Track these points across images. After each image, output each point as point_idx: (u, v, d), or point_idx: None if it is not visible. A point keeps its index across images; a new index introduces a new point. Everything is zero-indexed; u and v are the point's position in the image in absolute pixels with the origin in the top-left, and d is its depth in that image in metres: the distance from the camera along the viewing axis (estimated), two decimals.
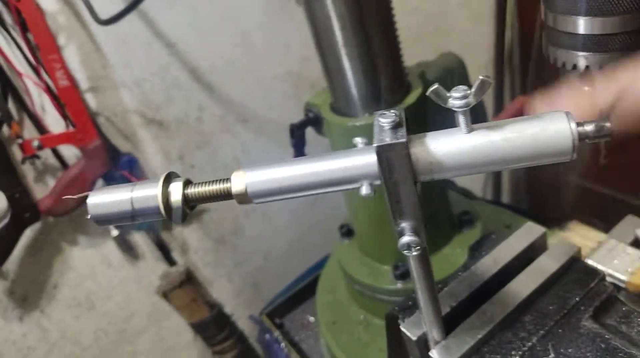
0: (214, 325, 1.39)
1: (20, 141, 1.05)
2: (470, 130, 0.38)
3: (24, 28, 1.02)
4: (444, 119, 0.79)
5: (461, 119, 0.37)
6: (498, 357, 0.50)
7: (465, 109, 0.36)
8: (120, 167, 1.18)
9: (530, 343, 0.50)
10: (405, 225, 0.41)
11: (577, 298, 0.52)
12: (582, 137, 0.36)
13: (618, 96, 0.39)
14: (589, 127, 0.36)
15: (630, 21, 0.45)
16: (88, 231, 1.24)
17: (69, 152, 1.16)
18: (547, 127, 0.36)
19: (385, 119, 0.38)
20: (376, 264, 0.93)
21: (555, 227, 0.72)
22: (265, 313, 1.22)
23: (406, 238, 0.41)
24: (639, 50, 0.46)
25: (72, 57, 1.10)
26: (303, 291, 1.25)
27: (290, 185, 0.43)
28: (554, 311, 0.52)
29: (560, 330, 0.50)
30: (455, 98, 0.36)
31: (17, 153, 1.08)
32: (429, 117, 0.80)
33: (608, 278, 0.58)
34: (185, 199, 0.45)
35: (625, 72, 0.40)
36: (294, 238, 1.57)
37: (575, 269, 0.56)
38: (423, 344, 0.54)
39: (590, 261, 0.60)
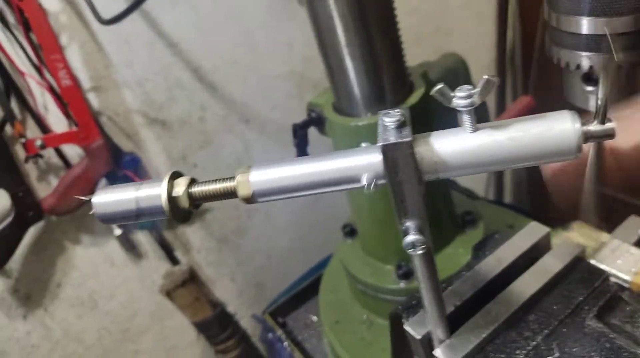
0: (216, 324, 1.39)
1: (23, 140, 1.06)
2: (475, 129, 0.38)
3: (26, 28, 1.02)
4: (447, 119, 0.79)
5: (466, 118, 0.37)
6: (502, 356, 0.50)
7: (470, 108, 0.36)
8: (123, 166, 1.19)
9: (534, 343, 0.50)
10: (409, 223, 0.41)
11: (581, 298, 0.52)
12: (586, 137, 0.36)
13: None
14: (594, 128, 0.36)
15: (633, 22, 0.45)
16: (91, 230, 1.24)
17: (72, 151, 1.16)
18: (552, 127, 0.36)
19: (389, 119, 0.38)
20: (379, 264, 0.93)
21: (558, 227, 0.72)
22: (268, 313, 1.22)
23: (411, 237, 0.41)
24: None
25: (75, 56, 1.11)
26: (306, 291, 1.25)
27: (294, 184, 0.43)
28: (558, 311, 0.52)
29: (564, 330, 0.50)
30: (460, 97, 0.36)
31: (20, 152, 1.09)
32: (431, 117, 0.80)
33: (612, 278, 0.58)
34: (190, 198, 0.45)
35: None
36: (296, 238, 1.57)
37: (580, 269, 0.56)
38: (427, 343, 0.54)
39: (593, 262, 0.60)
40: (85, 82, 1.13)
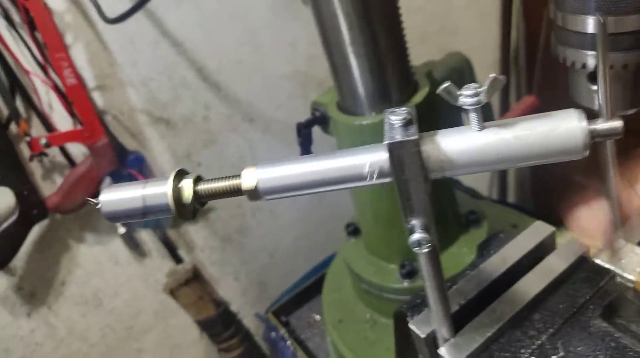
0: (220, 322, 1.39)
1: (28, 138, 1.06)
2: (481, 128, 0.38)
3: (32, 27, 1.03)
4: (451, 119, 0.79)
5: (472, 117, 0.37)
6: (507, 355, 0.50)
7: (476, 106, 0.36)
8: (127, 165, 1.19)
9: (539, 342, 0.50)
10: (415, 222, 0.41)
11: (586, 297, 0.52)
12: (593, 135, 0.36)
13: None
14: (600, 126, 0.36)
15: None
16: (95, 229, 1.24)
17: (77, 150, 1.17)
18: (559, 125, 0.36)
19: (396, 117, 0.39)
20: (383, 263, 0.93)
21: (562, 227, 0.72)
22: (271, 311, 1.22)
23: (417, 235, 0.41)
24: None
25: (80, 55, 1.11)
26: (309, 290, 1.25)
27: (300, 182, 0.43)
28: (563, 310, 0.52)
29: (569, 329, 0.50)
30: (467, 96, 0.36)
31: (25, 151, 1.09)
32: (436, 117, 0.80)
33: (617, 278, 0.58)
34: (196, 195, 0.46)
35: None
36: (299, 237, 1.57)
37: (585, 268, 0.56)
38: (432, 342, 0.54)
39: (598, 261, 0.60)
40: (90, 81, 1.13)
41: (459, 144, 0.38)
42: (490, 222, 0.95)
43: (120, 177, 1.18)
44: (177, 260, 1.37)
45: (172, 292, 1.34)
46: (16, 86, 1.06)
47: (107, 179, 1.17)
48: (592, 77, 0.47)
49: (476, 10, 1.60)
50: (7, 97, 1.05)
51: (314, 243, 1.56)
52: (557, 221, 0.67)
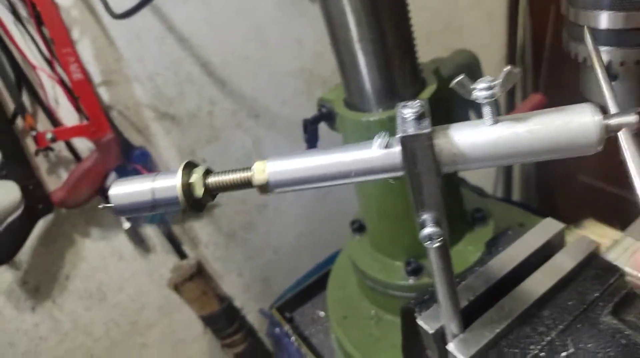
0: (224, 318, 1.39)
1: (34, 133, 1.06)
2: (494, 122, 0.38)
3: (38, 22, 1.03)
4: (460, 116, 0.79)
5: (486, 110, 0.37)
6: (516, 351, 0.49)
7: (490, 100, 0.36)
8: (133, 160, 1.19)
9: (549, 338, 0.50)
10: (427, 216, 0.41)
11: (596, 294, 0.52)
12: (607, 130, 0.36)
13: None
14: (614, 121, 0.36)
15: None
16: (100, 224, 1.25)
17: (82, 145, 1.17)
18: (572, 120, 0.36)
19: (408, 110, 0.38)
20: (388, 260, 0.93)
21: (570, 225, 0.72)
22: (275, 307, 1.22)
23: (428, 230, 0.41)
24: None
25: (86, 50, 1.11)
26: (313, 286, 1.25)
27: (310, 175, 0.43)
28: (572, 307, 0.52)
29: (579, 325, 0.50)
30: (481, 89, 0.36)
31: (30, 145, 1.09)
32: (443, 113, 0.80)
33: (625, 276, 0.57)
34: (206, 188, 0.46)
35: None
36: (304, 233, 1.57)
37: (594, 265, 0.55)
38: (440, 337, 0.54)
39: (607, 259, 0.60)
40: (96, 76, 1.13)
41: (472, 137, 0.38)
42: (496, 220, 0.95)
43: (125, 172, 1.18)
44: (182, 255, 1.37)
45: (177, 287, 1.34)
46: (23, 81, 1.07)
47: (113, 175, 1.18)
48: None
49: (482, 8, 1.59)
50: (13, 92, 1.05)
51: (318, 239, 1.56)
52: (562, 219, 0.66)
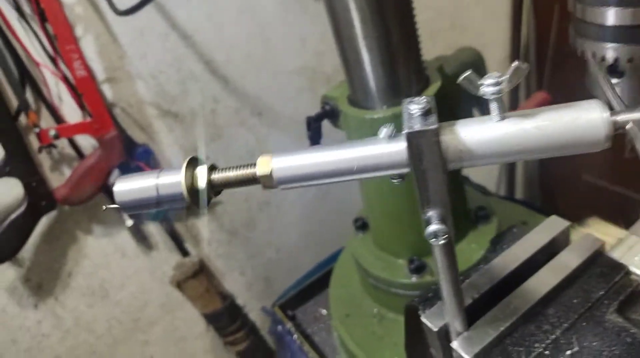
0: (226, 316, 1.39)
1: (37, 130, 1.06)
2: (501, 118, 0.37)
3: (42, 18, 1.03)
4: (464, 113, 0.79)
5: (493, 106, 0.37)
6: (521, 349, 0.49)
7: (497, 96, 0.36)
8: (136, 158, 1.19)
9: (553, 336, 0.49)
10: (432, 213, 0.41)
11: (601, 292, 0.52)
12: (615, 126, 0.36)
13: None
14: (622, 117, 0.36)
15: None
16: (103, 221, 1.25)
17: (85, 142, 1.17)
18: (580, 116, 0.36)
19: (415, 106, 0.38)
20: (391, 258, 0.93)
21: (574, 223, 0.72)
22: (278, 305, 1.22)
23: (433, 227, 0.41)
24: None
25: (90, 47, 1.11)
26: (315, 285, 1.25)
27: (316, 171, 0.42)
28: (577, 305, 0.51)
29: (584, 324, 0.50)
30: (488, 85, 0.36)
31: (34, 142, 1.09)
32: (447, 112, 0.80)
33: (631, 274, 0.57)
34: (211, 184, 0.46)
35: None
36: (306, 232, 1.57)
37: (600, 263, 0.55)
38: (444, 335, 0.53)
39: (612, 257, 0.59)
40: (100, 73, 1.13)
41: (479, 134, 0.38)
42: (499, 218, 0.94)
43: (128, 169, 1.18)
44: (184, 253, 1.37)
45: (179, 285, 1.34)
46: (26, 78, 1.07)
47: (116, 172, 1.18)
48: (611, 70, 0.46)
49: (486, 7, 1.59)
50: (17, 89, 1.05)
51: (320, 239, 1.56)
52: (566, 218, 0.66)
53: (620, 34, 0.46)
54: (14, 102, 1.06)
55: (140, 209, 0.48)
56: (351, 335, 0.95)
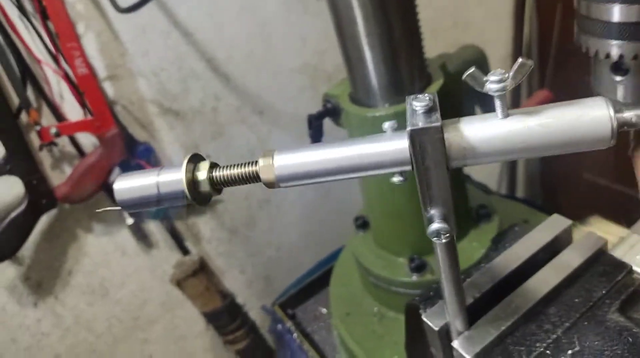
0: (226, 314, 1.39)
1: (38, 128, 1.06)
2: (506, 115, 0.37)
3: (44, 16, 1.02)
4: (466, 111, 0.78)
5: (498, 103, 0.37)
6: (522, 348, 0.49)
7: (502, 93, 0.36)
8: (137, 156, 1.19)
9: (555, 336, 0.49)
10: (434, 211, 0.41)
11: (603, 291, 0.52)
12: (621, 124, 0.36)
13: None
14: (629, 114, 0.36)
15: None
16: (103, 219, 1.24)
17: (86, 140, 1.16)
18: (586, 113, 0.35)
19: (418, 103, 0.38)
20: (392, 256, 0.93)
21: (576, 221, 0.71)
22: (278, 304, 1.22)
23: (435, 225, 0.41)
24: None
25: (91, 45, 1.11)
26: (315, 283, 1.25)
27: (318, 169, 0.42)
28: (579, 304, 0.51)
29: (585, 323, 0.50)
30: (493, 82, 0.36)
31: (35, 140, 1.09)
32: (449, 109, 0.80)
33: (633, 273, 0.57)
34: (211, 182, 0.45)
35: None
36: (306, 231, 1.57)
37: (602, 262, 0.55)
38: (445, 335, 0.53)
39: (614, 255, 0.59)
40: (101, 71, 1.13)
41: (483, 131, 0.37)
42: (501, 217, 0.94)
43: (129, 168, 1.18)
44: (184, 251, 1.37)
45: (179, 283, 1.34)
46: (27, 75, 1.06)
47: (117, 170, 1.17)
48: (616, 68, 0.46)
49: (488, 5, 1.58)
50: (18, 86, 1.05)
51: (321, 237, 1.56)
52: (567, 216, 0.66)
53: (626, 30, 0.45)
54: (15, 100, 1.06)
55: (141, 208, 0.48)
56: (351, 333, 0.95)
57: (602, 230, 0.69)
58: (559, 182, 1.78)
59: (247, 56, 1.28)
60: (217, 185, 0.46)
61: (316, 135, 0.92)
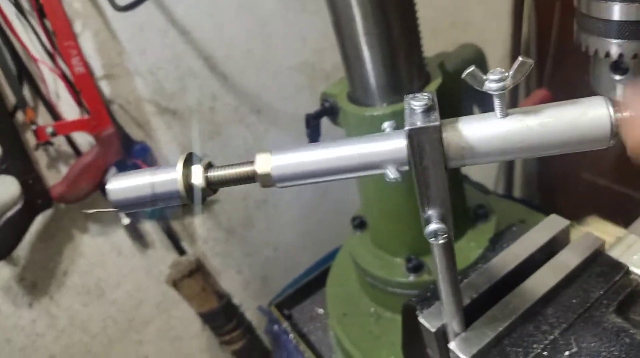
0: (222, 315, 1.39)
1: (34, 127, 1.05)
2: (505, 115, 0.37)
3: (41, 14, 1.02)
4: (465, 111, 0.78)
5: (497, 103, 0.36)
6: (519, 350, 0.49)
7: (501, 92, 0.35)
8: (133, 155, 1.18)
9: (552, 337, 0.49)
10: (432, 212, 0.40)
11: (600, 292, 0.51)
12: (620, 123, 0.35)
13: None
14: (628, 114, 0.35)
15: None
16: (99, 219, 1.24)
17: (83, 139, 1.16)
18: (585, 113, 0.35)
19: (417, 102, 0.38)
20: (389, 257, 0.93)
21: (573, 221, 0.71)
22: (274, 304, 1.21)
23: (433, 226, 0.40)
24: None
25: (88, 43, 1.10)
26: (312, 284, 1.24)
27: (315, 169, 0.42)
28: (576, 305, 0.51)
29: (583, 324, 0.50)
30: (492, 81, 0.35)
31: (30, 139, 1.08)
32: (447, 109, 0.79)
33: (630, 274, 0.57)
34: (207, 182, 0.45)
35: None
36: (303, 231, 1.57)
37: (599, 262, 0.55)
38: (442, 336, 0.53)
39: (612, 256, 0.59)
40: (98, 69, 1.13)
41: (482, 131, 0.37)
42: (498, 217, 0.94)
43: (125, 167, 1.17)
44: (181, 251, 1.37)
45: (175, 284, 1.34)
46: (24, 74, 1.06)
47: (113, 169, 1.17)
48: (615, 67, 0.46)
49: (487, 4, 1.58)
50: (14, 85, 1.04)
51: (318, 238, 1.56)
52: (564, 216, 0.66)
53: (626, 29, 0.45)
54: (11, 98, 1.05)
55: (136, 208, 0.47)
56: (348, 334, 0.94)
57: (600, 230, 0.69)
58: (556, 182, 1.79)
59: (245, 54, 1.28)
60: (213, 185, 0.45)
61: (314, 135, 0.92)
